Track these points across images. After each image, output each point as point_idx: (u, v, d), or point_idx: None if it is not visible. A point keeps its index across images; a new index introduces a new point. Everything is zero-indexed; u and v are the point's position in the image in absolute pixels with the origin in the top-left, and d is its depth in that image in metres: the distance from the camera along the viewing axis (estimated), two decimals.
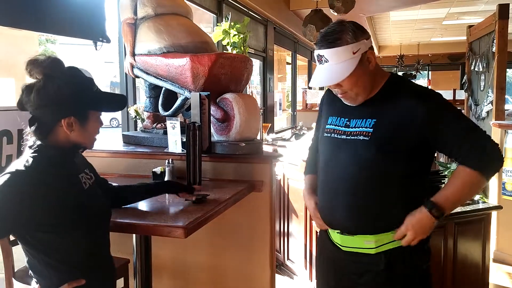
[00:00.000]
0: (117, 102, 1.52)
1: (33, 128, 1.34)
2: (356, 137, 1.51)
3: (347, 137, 1.54)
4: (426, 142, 1.47)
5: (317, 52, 1.49)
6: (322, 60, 1.48)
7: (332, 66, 1.46)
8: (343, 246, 1.60)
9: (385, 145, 1.46)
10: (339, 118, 1.60)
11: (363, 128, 1.51)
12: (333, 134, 1.59)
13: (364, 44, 1.47)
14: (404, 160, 1.48)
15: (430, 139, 1.46)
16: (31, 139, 1.37)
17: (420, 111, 1.44)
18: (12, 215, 1.26)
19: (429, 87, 17.72)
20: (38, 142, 1.36)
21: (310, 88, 8.60)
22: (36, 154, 1.33)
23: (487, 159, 1.43)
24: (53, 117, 1.34)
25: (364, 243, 1.53)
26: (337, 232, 1.61)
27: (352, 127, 1.54)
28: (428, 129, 1.44)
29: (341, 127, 1.58)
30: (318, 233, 1.78)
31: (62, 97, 1.32)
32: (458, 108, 1.54)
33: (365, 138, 1.49)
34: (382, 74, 1.56)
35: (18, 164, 1.30)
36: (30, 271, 1.39)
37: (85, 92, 1.38)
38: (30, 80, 1.36)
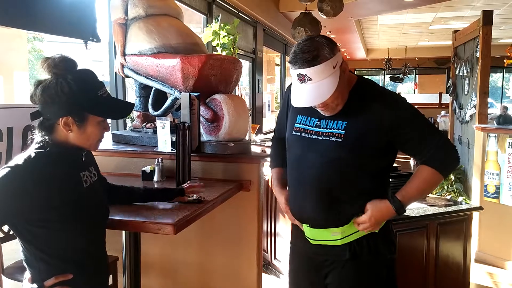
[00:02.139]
0: (120, 110, 1.54)
1: (37, 122, 1.39)
2: (328, 138, 1.57)
3: (318, 137, 1.59)
4: (392, 143, 1.57)
5: (297, 71, 1.47)
6: (305, 79, 1.46)
7: (317, 84, 1.45)
8: (312, 239, 1.67)
9: (356, 147, 1.54)
10: (308, 117, 1.64)
11: (335, 130, 1.56)
12: (303, 134, 1.63)
13: (339, 56, 1.50)
14: (372, 160, 1.57)
15: (396, 141, 1.56)
16: (38, 134, 1.39)
17: (388, 115, 1.53)
18: (5, 208, 1.28)
19: (416, 90, 17.98)
20: (46, 138, 1.38)
21: None
22: (39, 150, 1.36)
23: (447, 161, 1.58)
24: (53, 115, 1.37)
25: (331, 235, 1.61)
26: (307, 226, 1.68)
27: (323, 128, 1.59)
28: (396, 133, 1.54)
29: (312, 127, 1.62)
30: (292, 227, 1.83)
31: (62, 95, 1.34)
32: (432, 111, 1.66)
33: (338, 139, 1.55)
34: (350, 78, 1.61)
35: (20, 158, 1.33)
36: (23, 262, 1.42)
37: (86, 95, 1.39)
38: (43, 77, 1.40)
